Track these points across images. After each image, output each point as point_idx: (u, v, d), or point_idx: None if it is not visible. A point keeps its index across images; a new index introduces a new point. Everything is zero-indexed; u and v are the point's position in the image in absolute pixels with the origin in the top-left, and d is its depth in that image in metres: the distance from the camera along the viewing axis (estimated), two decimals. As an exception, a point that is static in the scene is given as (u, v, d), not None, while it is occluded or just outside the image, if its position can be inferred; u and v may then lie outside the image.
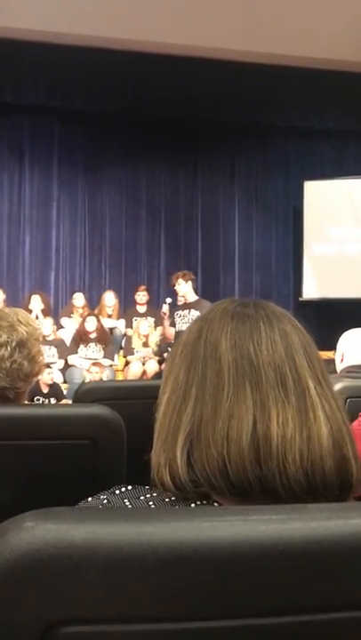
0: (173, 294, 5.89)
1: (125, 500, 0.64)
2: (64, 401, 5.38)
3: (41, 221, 7.88)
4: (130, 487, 0.66)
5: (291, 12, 4.87)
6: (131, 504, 0.63)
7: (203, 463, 0.60)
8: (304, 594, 0.44)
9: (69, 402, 5.31)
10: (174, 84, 6.72)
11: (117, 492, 0.65)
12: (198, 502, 0.61)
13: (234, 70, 6.11)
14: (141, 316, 6.84)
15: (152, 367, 6.24)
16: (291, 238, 8.42)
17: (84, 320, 6.32)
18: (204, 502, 0.61)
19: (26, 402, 1.39)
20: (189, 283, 5.59)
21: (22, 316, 1.27)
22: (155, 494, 0.64)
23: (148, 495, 0.63)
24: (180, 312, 5.59)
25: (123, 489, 0.66)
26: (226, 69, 6.08)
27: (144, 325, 6.48)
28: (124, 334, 6.84)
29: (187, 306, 5.55)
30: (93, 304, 7.19)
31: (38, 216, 7.88)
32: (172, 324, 5.65)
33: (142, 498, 0.64)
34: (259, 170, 8.45)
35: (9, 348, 1.22)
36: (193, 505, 0.60)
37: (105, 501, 0.64)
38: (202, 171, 8.34)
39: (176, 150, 8.07)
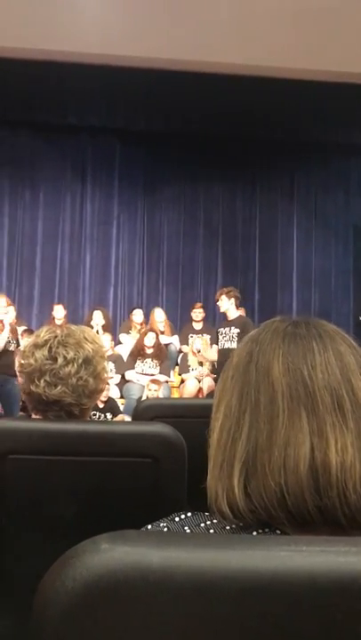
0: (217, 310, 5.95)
1: (185, 528, 0.63)
2: (120, 416, 5.44)
3: (101, 239, 8.06)
4: (189, 514, 0.65)
5: (351, 29, 4.83)
6: (191, 531, 0.62)
7: (260, 493, 0.59)
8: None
9: (126, 417, 5.36)
10: (233, 103, 6.77)
11: (177, 519, 0.65)
12: (260, 530, 0.60)
13: (293, 88, 6.10)
14: (197, 332, 6.85)
15: (208, 385, 6.23)
16: (351, 256, 8.28)
17: (143, 335, 6.39)
18: (266, 530, 0.60)
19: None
20: (232, 300, 5.61)
21: (88, 334, 1.30)
22: (215, 521, 0.63)
23: (208, 522, 0.63)
24: (221, 330, 5.64)
25: (182, 516, 0.65)
26: (285, 87, 6.07)
27: (198, 343, 6.49)
28: (180, 351, 6.86)
29: (228, 323, 5.60)
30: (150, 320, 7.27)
31: (99, 234, 8.06)
32: (216, 342, 5.71)
33: (202, 525, 0.63)
34: (318, 187, 8.38)
35: (75, 365, 1.24)
36: (255, 533, 0.59)
37: (165, 529, 0.63)
38: (260, 188, 8.33)
39: (234, 168, 8.11)
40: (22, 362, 1.26)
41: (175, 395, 6.23)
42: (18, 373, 1.28)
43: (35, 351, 1.25)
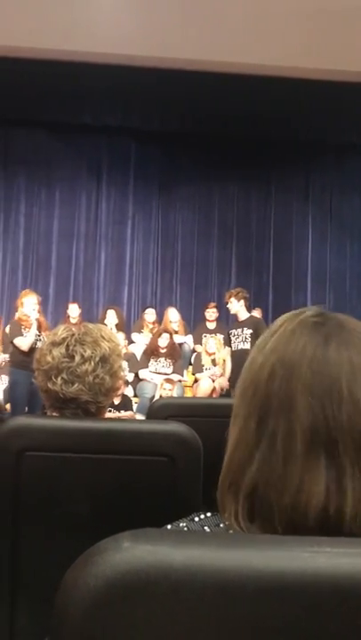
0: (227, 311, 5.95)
1: (205, 528, 0.63)
2: (129, 413, 5.47)
3: (116, 238, 8.08)
4: (208, 514, 0.64)
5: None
6: (211, 532, 0.62)
7: (264, 527, 0.57)
8: None
9: (138, 415, 5.37)
10: (248, 103, 6.75)
11: (196, 518, 0.64)
12: None
13: (309, 88, 6.07)
14: (210, 332, 6.84)
15: (222, 385, 6.22)
16: (366, 257, 8.23)
17: (157, 335, 6.40)
18: None
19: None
20: (242, 301, 5.62)
21: (105, 332, 1.30)
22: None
23: (227, 522, 0.62)
24: (233, 331, 5.65)
25: (202, 516, 0.64)
26: (300, 87, 6.05)
27: (211, 343, 6.48)
28: (193, 350, 6.87)
29: (240, 324, 5.61)
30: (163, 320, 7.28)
31: (113, 233, 8.09)
32: (228, 344, 5.72)
33: (222, 525, 0.62)
34: (334, 188, 8.34)
35: (92, 363, 1.24)
36: None
37: (185, 529, 0.63)
38: (275, 188, 8.31)
39: (249, 168, 8.09)
40: (40, 359, 1.27)
41: (188, 394, 6.23)
42: (35, 371, 1.29)
43: (52, 349, 1.26)
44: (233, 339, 5.62)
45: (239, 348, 5.54)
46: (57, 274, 8.01)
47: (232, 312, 5.72)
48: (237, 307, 5.62)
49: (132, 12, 4.94)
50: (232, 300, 5.65)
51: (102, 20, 4.93)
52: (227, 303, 5.81)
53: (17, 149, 7.97)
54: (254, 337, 5.48)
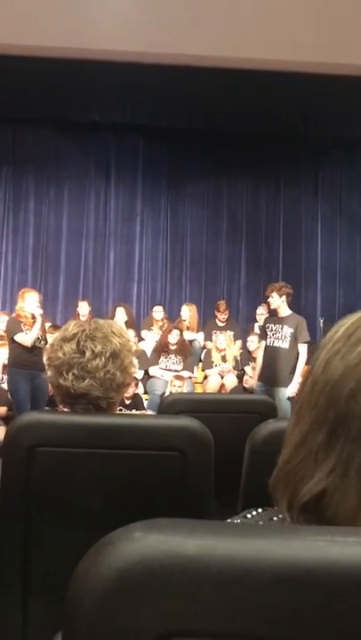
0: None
1: (260, 522, 0.62)
2: (142, 412, 5.46)
3: (125, 236, 8.09)
4: (260, 510, 0.63)
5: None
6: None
7: None
8: None
9: (149, 412, 5.38)
10: (256, 99, 6.73)
11: (249, 515, 0.63)
12: None
13: (317, 83, 6.03)
14: (221, 329, 6.84)
15: (231, 381, 6.22)
16: (377, 252, 8.19)
17: (167, 332, 6.40)
18: None
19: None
20: (283, 297, 5.34)
21: (116, 328, 1.30)
22: (281, 516, 0.60)
23: (280, 516, 0.60)
24: (271, 326, 5.36)
25: (254, 512, 0.63)
26: (309, 82, 6.01)
27: (222, 340, 6.47)
28: (203, 347, 6.87)
29: (280, 320, 5.33)
30: (173, 317, 7.27)
31: (122, 231, 8.09)
32: (263, 337, 5.45)
33: (275, 519, 0.61)
34: (343, 183, 8.29)
35: (103, 359, 1.25)
36: None
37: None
38: (284, 184, 8.28)
39: (258, 164, 8.06)
40: (51, 355, 1.27)
41: (199, 391, 6.23)
42: (46, 366, 1.29)
43: (63, 344, 1.26)
44: (270, 333, 5.32)
45: (274, 344, 5.27)
46: (66, 272, 8.03)
47: (273, 307, 5.43)
48: (279, 302, 5.34)
49: (140, 9, 4.94)
50: (274, 294, 5.36)
51: (109, 17, 4.93)
52: (268, 298, 5.52)
53: (25, 148, 7.99)
54: (294, 337, 5.25)
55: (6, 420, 5.42)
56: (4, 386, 5.72)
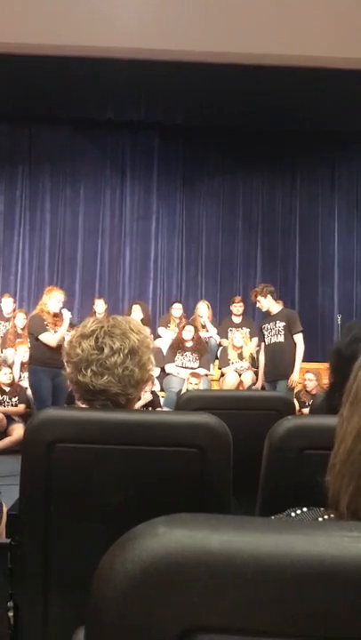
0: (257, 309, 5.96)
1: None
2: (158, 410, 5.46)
3: (140, 233, 8.10)
4: (305, 509, 0.63)
5: None
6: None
7: None
8: None
9: (166, 410, 5.38)
10: (272, 95, 6.69)
11: (293, 514, 0.63)
12: None
13: (333, 78, 5.99)
14: (237, 326, 6.82)
15: (248, 378, 6.19)
16: (394, 248, 8.10)
17: (182, 329, 6.40)
18: None
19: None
20: (268, 296, 5.60)
21: (134, 325, 1.31)
22: (332, 516, 0.60)
23: (325, 517, 0.60)
24: (266, 325, 5.63)
25: (298, 511, 0.63)
26: (325, 77, 5.97)
27: (238, 337, 6.46)
28: (219, 344, 6.85)
29: (272, 318, 5.59)
30: (189, 314, 7.27)
31: (138, 228, 8.10)
32: (262, 339, 5.71)
33: (320, 519, 0.60)
34: (360, 178, 8.21)
35: (121, 355, 1.25)
36: None
37: None
38: (301, 180, 8.23)
39: (274, 160, 8.02)
40: (69, 351, 1.28)
41: (215, 388, 6.22)
42: (65, 363, 1.29)
43: (82, 341, 1.27)
44: (266, 333, 5.61)
45: (273, 341, 5.55)
46: (83, 270, 8.06)
47: (263, 310, 5.71)
48: (266, 303, 5.61)
49: (154, 6, 4.93)
50: (259, 298, 5.62)
51: (124, 14, 4.93)
52: (255, 304, 5.79)
53: (41, 147, 8.03)
54: (287, 329, 5.48)
55: (25, 417, 5.45)
56: (23, 383, 5.75)
